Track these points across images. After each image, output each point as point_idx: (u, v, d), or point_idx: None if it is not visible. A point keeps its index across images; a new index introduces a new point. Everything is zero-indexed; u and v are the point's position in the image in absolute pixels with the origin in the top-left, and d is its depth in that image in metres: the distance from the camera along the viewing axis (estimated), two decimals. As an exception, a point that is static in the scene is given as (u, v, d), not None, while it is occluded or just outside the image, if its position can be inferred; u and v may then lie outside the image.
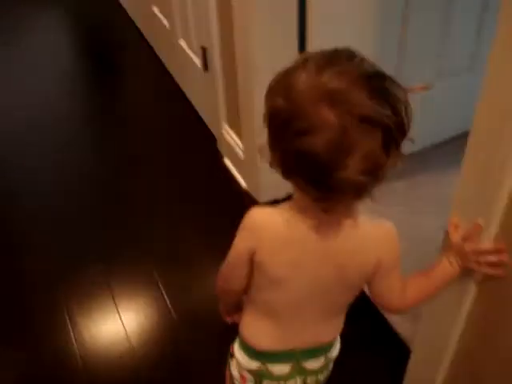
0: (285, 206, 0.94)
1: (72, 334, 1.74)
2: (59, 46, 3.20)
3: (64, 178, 2.31)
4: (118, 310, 1.80)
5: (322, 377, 1.14)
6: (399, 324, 1.61)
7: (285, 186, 1.80)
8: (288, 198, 0.94)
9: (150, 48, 2.96)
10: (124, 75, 3.02)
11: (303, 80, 0.78)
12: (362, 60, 0.80)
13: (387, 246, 0.96)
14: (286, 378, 1.10)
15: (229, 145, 2.15)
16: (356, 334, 1.64)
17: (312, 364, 1.10)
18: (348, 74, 0.77)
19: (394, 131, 0.78)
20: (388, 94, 0.78)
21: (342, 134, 0.76)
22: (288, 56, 1.64)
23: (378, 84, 0.78)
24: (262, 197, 2.00)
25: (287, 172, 0.84)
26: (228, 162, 2.23)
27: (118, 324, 1.77)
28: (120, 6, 3.34)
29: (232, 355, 1.14)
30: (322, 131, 0.76)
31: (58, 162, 2.39)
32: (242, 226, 0.97)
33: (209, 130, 2.38)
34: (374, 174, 0.80)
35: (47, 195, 2.23)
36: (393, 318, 1.62)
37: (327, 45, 1.61)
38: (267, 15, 1.64)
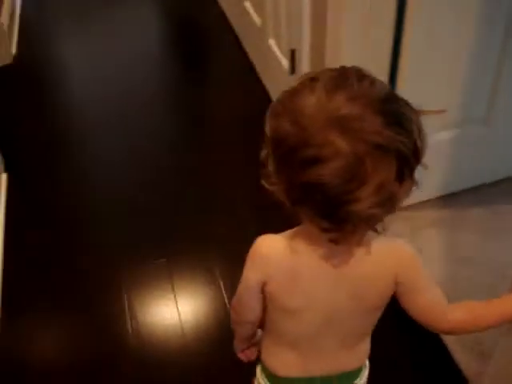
0: (292, 233, 0.90)
1: (128, 315, 1.77)
2: (149, 32, 3.24)
3: (141, 163, 2.34)
4: (175, 298, 1.81)
5: None
6: (465, 363, 1.54)
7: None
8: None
9: (239, 42, 2.96)
10: (210, 66, 3.01)
11: (312, 104, 0.73)
12: (373, 81, 0.75)
13: (403, 264, 0.90)
14: None
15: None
16: (418, 368, 1.59)
17: None
18: (360, 98, 0.72)
19: (409, 158, 0.74)
20: (403, 118, 0.74)
21: (355, 164, 0.71)
22: (378, 71, 1.61)
23: (392, 108, 0.73)
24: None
25: (293, 202, 0.79)
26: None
27: (173, 312, 1.78)
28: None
29: (255, 377, 1.13)
30: (332, 160, 0.71)
31: (136, 146, 2.42)
32: (249, 256, 0.94)
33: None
34: (388, 204, 0.75)
35: (121, 180, 2.27)
36: (457, 355, 1.56)
37: (419, 66, 1.57)
38: (361, 26, 1.58)
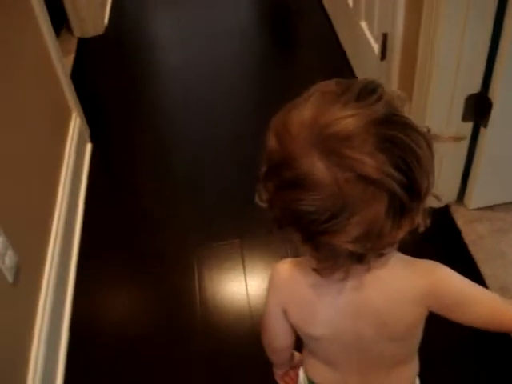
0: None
1: (198, 293, 1.78)
2: (240, 8, 3.21)
3: (221, 141, 2.33)
4: (246, 279, 1.81)
5: None
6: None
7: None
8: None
9: (330, 22, 2.89)
10: (297, 45, 2.97)
11: (300, 119, 0.66)
12: (379, 98, 0.65)
13: (434, 291, 0.81)
14: None
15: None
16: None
17: None
18: (354, 116, 0.63)
19: (400, 195, 0.64)
20: (400, 146, 0.64)
21: (334, 194, 0.64)
22: (475, 61, 1.51)
23: (389, 132, 0.64)
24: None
25: (276, 222, 0.72)
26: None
27: (242, 293, 1.78)
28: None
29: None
30: (309, 188, 0.64)
31: (219, 125, 2.41)
32: (269, 282, 0.91)
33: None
34: (373, 241, 0.67)
35: (201, 159, 2.27)
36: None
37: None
38: (461, 14, 1.51)
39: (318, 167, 0.64)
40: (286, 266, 0.88)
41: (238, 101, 2.54)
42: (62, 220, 1.86)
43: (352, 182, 0.63)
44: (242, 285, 1.80)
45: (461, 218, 1.83)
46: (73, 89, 2.25)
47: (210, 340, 1.67)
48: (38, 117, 1.89)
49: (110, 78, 2.74)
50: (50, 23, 2.07)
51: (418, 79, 1.71)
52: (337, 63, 2.64)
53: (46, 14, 2.05)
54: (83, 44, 2.96)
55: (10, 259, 1.42)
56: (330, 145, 0.63)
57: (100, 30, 3.02)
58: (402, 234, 0.69)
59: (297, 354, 1.08)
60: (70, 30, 3.01)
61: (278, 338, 0.98)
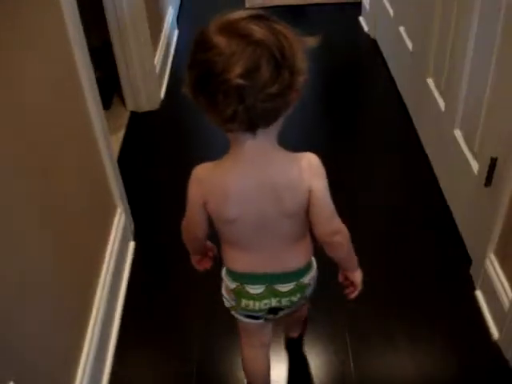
0: (222, 158, 1.07)
1: None
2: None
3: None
4: None
5: (295, 298, 1.25)
6: None
7: None
8: None
9: (408, 117, 2.61)
10: (377, 148, 2.58)
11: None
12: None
13: (314, 174, 1.07)
14: (261, 297, 1.23)
15: (489, 279, 1.71)
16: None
17: (283, 287, 1.22)
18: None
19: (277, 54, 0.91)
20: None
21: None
22: None
23: (266, 22, 0.92)
24: None
25: (192, 90, 0.94)
26: (480, 297, 1.79)
27: None
28: (383, 60, 3.02)
29: (222, 279, 1.27)
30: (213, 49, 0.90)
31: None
32: (189, 182, 1.11)
33: (464, 247, 1.95)
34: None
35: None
36: None
37: None
38: None
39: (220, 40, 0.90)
40: (201, 167, 1.11)
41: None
42: (99, 323, 1.62)
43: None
44: None
45: None
46: (120, 179, 1.97)
47: None
48: (77, 213, 1.60)
49: (161, 161, 2.47)
50: (100, 105, 1.80)
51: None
52: (418, 167, 2.33)
53: (97, 91, 1.76)
54: (136, 119, 2.71)
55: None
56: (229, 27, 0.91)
57: (155, 105, 2.78)
58: (280, 103, 0.94)
59: (209, 243, 1.31)
60: (122, 101, 2.78)
61: (196, 227, 1.19)
